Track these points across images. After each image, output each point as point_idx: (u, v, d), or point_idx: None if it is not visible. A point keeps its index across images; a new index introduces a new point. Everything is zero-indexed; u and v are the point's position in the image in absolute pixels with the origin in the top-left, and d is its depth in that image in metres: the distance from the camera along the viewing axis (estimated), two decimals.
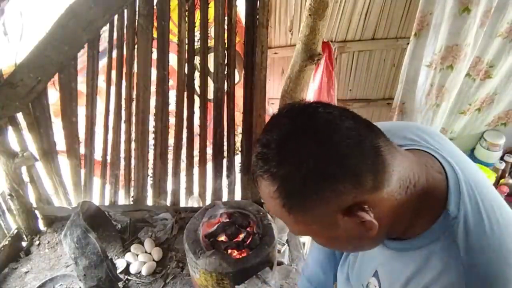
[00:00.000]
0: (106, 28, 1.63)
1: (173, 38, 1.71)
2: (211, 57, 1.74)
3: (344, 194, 0.52)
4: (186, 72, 1.74)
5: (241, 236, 1.40)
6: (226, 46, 1.70)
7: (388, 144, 0.56)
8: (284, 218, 0.58)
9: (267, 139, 0.55)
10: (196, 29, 1.69)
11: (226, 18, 1.66)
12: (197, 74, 1.77)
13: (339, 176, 0.52)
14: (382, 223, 0.56)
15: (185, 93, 1.77)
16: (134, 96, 1.74)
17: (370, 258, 0.77)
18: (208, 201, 1.94)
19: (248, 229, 1.43)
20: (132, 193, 1.90)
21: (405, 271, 0.61)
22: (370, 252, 0.77)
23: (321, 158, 0.51)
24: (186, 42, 1.69)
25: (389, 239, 0.66)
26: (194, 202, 1.92)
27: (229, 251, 1.33)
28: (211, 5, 1.66)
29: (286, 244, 1.69)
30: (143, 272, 1.55)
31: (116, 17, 1.60)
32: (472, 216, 0.57)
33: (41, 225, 1.82)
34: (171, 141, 1.85)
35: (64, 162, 1.81)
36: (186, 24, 1.67)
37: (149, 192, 1.91)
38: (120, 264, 1.58)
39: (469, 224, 0.56)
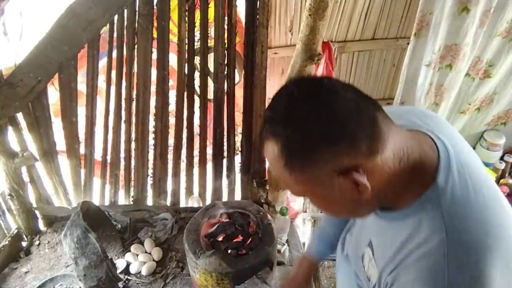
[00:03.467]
0: (106, 28, 1.63)
1: (173, 38, 1.71)
2: (211, 57, 1.74)
3: (340, 156, 0.57)
4: (186, 72, 1.74)
5: (241, 236, 1.40)
6: (226, 46, 1.70)
7: (386, 118, 0.61)
8: (285, 178, 0.62)
9: (275, 104, 0.61)
10: (196, 29, 1.69)
11: (226, 18, 1.66)
12: (197, 74, 1.77)
13: (336, 138, 0.56)
14: (374, 189, 0.60)
15: (185, 93, 1.77)
16: (134, 96, 1.74)
17: (365, 231, 0.84)
18: (208, 201, 1.95)
19: (248, 229, 1.43)
20: (132, 193, 1.90)
21: (396, 238, 0.66)
22: (365, 225, 0.84)
23: (321, 121, 0.56)
24: (186, 42, 1.69)
25: (382, 210, 0.71)
26: (194, 202, 1.93)
27: (229, 251, 1.33)
28: (211, 5, 1.66)
29: (286, 244, 1.69)
30: (143, 272, 1.55)
31: (116, 17, 1.60)
32: (459, 189, 0.61)
33: (41, 225, 1.82)
34: (171, 141, 1.85)
35: (64, 162, 1.81)
36: (186, 24, 1.67)
37: (149, 192, 1.91)
38: (120, 264, 1.58)
39: (456, 196, 0.61)
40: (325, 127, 0.56)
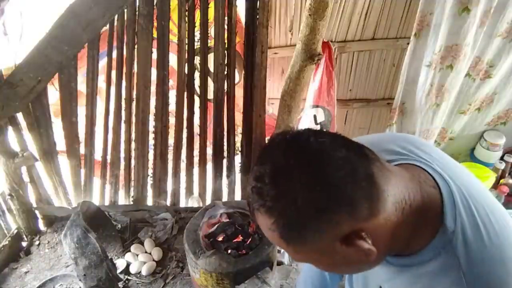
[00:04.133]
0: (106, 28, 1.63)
1: (173, 38, 1.71)
2: (211, 57, 1.74)
3: (340, 224, 0.53)
4: (186, 72, 1.74)
5: (241, 236, 1.40)
6: (226, 46, 1.70)
7: (382, 169, 0.57)
8: (284, 248, 0.59)
9: (261, 173, 0.56)
10: (196, 29, 1.69)
11: (226, 18, 1.66)
12: (197, 74, 1.77)
13: (333, 208, 0.52)
14: (380, 246, 0.57)
15: (185, 93, 1.77)
16: (134, 96, 1.74)
17: (375, 275, 0.77)
18: (208, 201, 1.94)
19: (248, 229, 1.43)
20: (132, 193, 1.90)
21: (411, 287, 0.62)
22: (373, 271, 0.76)
23: (315, 190, 0.52)
24: (186, 42, 1.69)
25: (391, 256, 0.66)
26: (194, 202, 1.92)
27: (229, 251, 1.33)
28: (211, 5, 1.66)
29: None
30: (143, 272, 1.55)
31: (116, 17, 1.60)
32: (469, 227, 0.57)
33: (41, 225, 1.82)
34: (171, 141, 1.85)
35: (64, 162, 1.81)
36: (186, 24, 1.67)
37: (149, 192, 1.91)
38: (120, 264, 1.58)
39: (467, 237, 0.57)
40: (319, 197, 0.52)
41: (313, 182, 0.52)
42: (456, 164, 0.68)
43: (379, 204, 0.54)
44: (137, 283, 1.53)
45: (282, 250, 1.63)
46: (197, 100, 1.80)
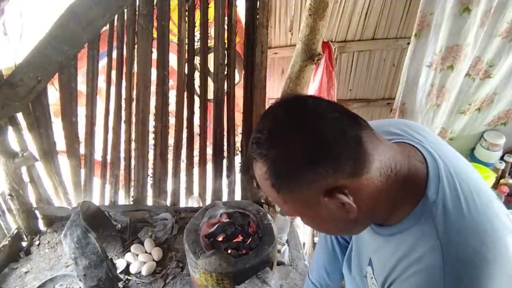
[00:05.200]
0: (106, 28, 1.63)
1: (173, 38, 1.71)
2: (211, 57, 1.74)
3: (325, 177, 0.58)
4: (186, 72, 1.74)
5: (241, 236, 1.40)
6: (226, 46, 1.70)
7: (371, 136, 0.61)
8: (274, 198, 0.64)
9: (262, 126, 0.62)
10: (196, 29, 1.69)
11: (226, 18, 1.66)
12: (197, 74, 1.77)
13: (320, 160, 0.57)
14: (362, 207, 0.61)
15: (185, 93, 1.77)
16: (134, 96, 1.74)
17: (365, 249, 0.83)
18: (208, 201, 1.94)
19: (248, 229, 1.43)
20: (132, 193, 1.90)
21: (393, 254, 0.66)
22: (363, 243, 0.84)
23: (306, 143, 0.57)
24: (186, 42, 1.69)
25: (377, 226, 0.71)
26: (194, 202, 1.92)
27: (229, 251, 1.33)
28: (211, 5, 1.66)
29: (286, 244, 1.69)
30: (143, 272, 1.55)
31: (116, 17, 1.60)
32: (450, 200, 0.61)
33: (41, 225, 1.82)
34: (171, 141, 1.85)
35: (64, 162, 1.81)
36: (186, 24, 1.67)
37: (149, 192, 1.91)
38: (120, 264, 1.58)
39: (448, 208, 0.61)
40: (308, 149, 0.57)
41: (305, 135, 0.58)
42: (450, 148, 0.72)
43: (364, 165, 0.59)
44: (137, 283, 1.53)
45: (282, 250, 1.63)
46: (197, 100, 1.80)
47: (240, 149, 1.92)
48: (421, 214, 0.62)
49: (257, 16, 1.61)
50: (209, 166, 1.90)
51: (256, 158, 0.61)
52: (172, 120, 1.83)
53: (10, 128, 1.56)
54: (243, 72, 1.75)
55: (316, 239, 3.16)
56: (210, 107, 1.84)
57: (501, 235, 0.60)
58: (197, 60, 1.76)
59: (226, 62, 1.73)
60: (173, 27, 1.69)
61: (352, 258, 0.98)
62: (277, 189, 0.61)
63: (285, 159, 0.58)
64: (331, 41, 2.19)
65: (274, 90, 2.42)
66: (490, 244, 0.58)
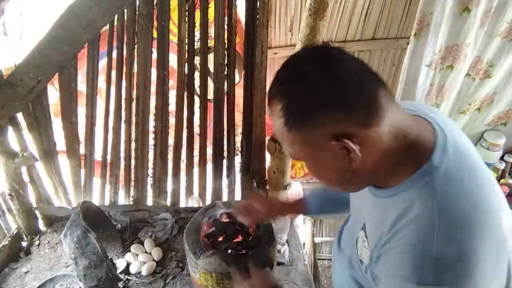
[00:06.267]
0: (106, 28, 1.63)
1: (173, 38, 1.71)
2: (211, 57, 1.74)
3: (336, 121, 0.60)
4: (186, 72, 1.74)
5: (241, 236, 1.40)
6: (226, 46, 1.70)
7: (388, 95, 0.63)
8: (284, 137, 0.66)
9: (285, 65, 0.65)
10: (196, 29, 1.69)
11: (226, 18, 1.66)
12: (197, 74, 1.77)
13: (335, 104, 0.59)
14: (366, 161, 0.63)
15: (185, 93, 1.77)
16: (134, 96, 1.74)
17: (359, 216, 0.85)
18: (208, 201, 1.95)
19: (248, 229, 1.42)
20: (132, 193, 1.90)
21: (389, 215, 0.67)
22: (361, 207, 0.85)
23: (324, 85, 0.59)
24: (186, 42, 1.69)
25: (376, 188, 0.73)
26: (194, 202, 1.92)
27: (229, 251, 1.33)
28: (211, 5, 1.66)
29: (286, 244, 1.69)
30: (143, 272, 1.55)
31: (116, 17, 1.60)
32: (453, 169, 0.63)
33: (41, 225, 1.82)
34: (171, 141, 1.85)
35: (64, 162, 1.81)
36: (186, 24, 1.67)
37: (149, 192, 1.91)
38: (120, 264, 1.58)
39: (449, 175, 0.62)
40: (325, 91, 0.59)
41: (324, 78, 0.59)
42: (461, 132, 0.73)
43: (375, 118, 0.60)
44: (137, 283, 1.53)
45: (282, 250, 1.63)
46: (197, 100, 1.80)
47: (240, 149, 1.92)
48: (422, 177, 0.63)
49: (257, 16, 1.61)
50: (209, 166, 1.90)
51: (275, 95, 0.64)
52: (172, 120, 1.83)
53: (10, 128, 1.56)
54: (243, 72, 1.75)
55: (316, 239, 3.16)
56: (210, 107, 1.84)
57: (495, 208, 0.62)
58: (197, 60, 1.76)
59: (226, 62, 1.73)
60: (173, 27, 1.69)
61: (345, 231, 1.00)
62: (288, 128, 0.63)
63: (301, 98, 0.61)
64: (331, 41, 2.18)
65: None
66: (484, 212, 0.60)
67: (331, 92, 0.59)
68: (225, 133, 1.85)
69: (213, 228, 1.41)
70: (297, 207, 1.22)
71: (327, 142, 0.61)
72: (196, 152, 1.89)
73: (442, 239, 0.58)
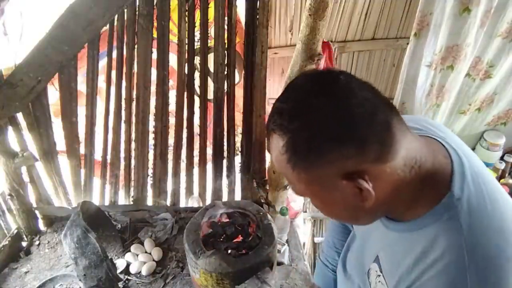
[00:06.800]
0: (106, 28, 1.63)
1: (173, 38, 1.71)
2: (211, 57, 1.74)
3: (347, 158, 0.54)
4: (186, 72, 1.74)
5: (241, 236, 1.40)
6: (226, 46, 1.70)
7: (401, 124, 0.58)
8: (288, 175, 0.60)
9: (286, 95, 0.59)
10: (196, 29, 1.69)
11: (226, 18, 1.66)
12: (197, 74, 1.77)
13: (345, 140, 0.53)
14: (380, 197, 0.58)
15: (185, 93, 1.77)
16: (134, 96, 1.74)
17: (371, 245, 0.79)
18: (208, 201, 1.94)
19: (248, 229, 1.43)
20: (132, 193, 1.90)
21: (409, 252, 0.62)
22: (369, 239, 0.80)
23: (332, 119, 0.53)
24: (186, 42, 1.69)
25: (390, 220, 0.67)
26: (194, 202, 1.92)
27: (229, 251, 1.33)
28: (211, 5, 1.66)
29: (286, 244, 1.69)
30: (143, 272, 1.55)
31: (116, 17, 1.60)
32: (475, 198, 0.58)
33: (41, 225, 1.82)
34: (171, 141, 1.85)
35: (64, 162, 1.81)
36: (186, 24, 1.67)
37: (149, 192, 1.91)
38: (120, 264, 1.58)
39: (472, 205, 0.57)
40: (334, 127, 0.53)
41: (332, 111, 0.53)
42: (470, 150, 0.69)
43: (389, 152, 0.55)
44: (137, 283, 1.53)
45: (282, 250, 1.63)
46: (197, 100, 1.80)
47: (240, 149, 1.92)
48: (445, 211, 0.58)
49: (257, 16, 1.61)
50: (209, 166, 1.90)
51: (275, 130, 0.57)
52: (172, 120, 1.83)
53: (10, 128, 1.56)
54: (243, 72, 1.75)
55: (316, 239, 3.16)
56: (210, 107, 1.84)
57: None
58: (197, 60, 1.76)
59: (226, 62, 1.73)
60: (173, 27, 1.69)
61: (351, 254, 0.95)
62: (293, 166, 0.57)
63: (307, 134, 0.54)
64: (331, 41, 2.19)
65: (274, 90, 2.42)
66: None
67: (341, 127, 0.53)
68: (225, 133, 1.84)
69: (213, 228, 1.41)
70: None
71: (337, 181, 0.56)
72: (196, 152, 1.89)
73: (475, 279, 0.53)
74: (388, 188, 0.58)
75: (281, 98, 0.59)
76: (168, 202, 1.92)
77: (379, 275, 0.73)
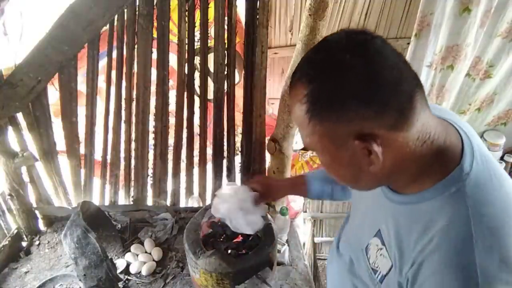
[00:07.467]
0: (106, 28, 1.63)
1: (173, 38, 1.71)
2: (211, 57, 1.74)
3: (365, 119, 0.55)
4: (186, 72, 1.74)
5: (241, 236, 1.40)
6: (226, 46, 1.70)
7: (423, 100, 0.59)
8: (302, 124, 0.60)
9: (320, 47, 0.59)
10: (196, 29, 1.69)
11: (226, 18, 1.66)
12: (197, 74, 1.77)
13: (368, 101, 0.54)
14: (386, 165, 0.59)
15: (185, 93, 1.77)
16: (134, 96, 1.74)
17: (372, 220, 0.79)
18: (208, 201, 1.95)
19: None
20: (132, 193, 1.90)
21: (416, 223, 0.63)
22: (372, 214, 0.80)
23: (360, 78, 0.54)
24: (186, 42, 1.69)
25: (395, 193, 0.68)
26: (194, 202, 1.92)
27: (229, 251, 1.33)
28: (211, 5, 1.66)
29: (286, 244, 1.69)
30: (143, 272, 1.55)
31: (116, 17, 1.60)
32: (482, 173, 0.60)
33: (41, 225, 1.82)
34: (171, 141, 1.85)
35: (64, 162, 1.81)
36: (186, 24, 1.67)
37: (149, 192, 1.91)
38: (120, 264, 1.58)
39: (480, 180, 0.59)
40: (360, 85, 0.54)
41: (361, 70, 0.54)
42: (479, 137, 0.70)
43: (406, 123, 0.56)
44: (137, 283, 1.53)
45: (282, 250, 1.63)
46: (197, 100, 1.80)
47: (240, 149, 1.92)
48: (453, 183, 0.60)
49: (257, 16, 1.61)
50: (209, 166, 1.90)
51: (301, 78, 0.58)
52: (172, 120, 1.83)
53: (10, 128, 1.56)
54: (243, 72, 1.75)
55: (316, 239, 3.16)
56: (210, 107, 1.84)
57: None
58: (197, 60, 1.76)
59: (226, 62, 1.73)
60: (173, 27, 1.69)
61: (345, 235, 0.96)
62: (310, 117, 0.58)
63: (333, 87, 0.55)
64: None
65: (274, 90, 2.42)
66: None
67: (367, 87, 0.53)
68: (225, 133, 1.85)
69: (213, 228, 1.41)
70: (297, 187, 1.17)
71: (350, 139, 0.57)
72: (196, 152, 1.89)
73: (481, 248, 0.54)
74: (396, 158, 0.59)
75: (315, 49, 0.59)
76: (168, 202, 1.92)
77: (381, 248, 0.74)
